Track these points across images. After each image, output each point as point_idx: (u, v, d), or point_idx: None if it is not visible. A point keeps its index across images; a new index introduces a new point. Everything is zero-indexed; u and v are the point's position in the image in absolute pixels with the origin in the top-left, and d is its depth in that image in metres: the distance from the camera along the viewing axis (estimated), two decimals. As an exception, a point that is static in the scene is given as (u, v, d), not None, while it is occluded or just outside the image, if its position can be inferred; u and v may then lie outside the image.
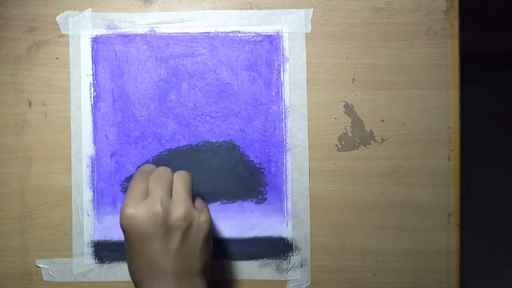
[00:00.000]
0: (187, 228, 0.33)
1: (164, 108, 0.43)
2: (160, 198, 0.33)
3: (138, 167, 0.43)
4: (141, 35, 0.43)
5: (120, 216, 0.33)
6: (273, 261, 0.43)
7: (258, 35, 0.43)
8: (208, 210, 0.36)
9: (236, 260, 0.43)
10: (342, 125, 0.43)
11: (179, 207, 0.33)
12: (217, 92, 0.43)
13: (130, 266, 0.34)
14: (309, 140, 0.43)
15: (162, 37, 0.43)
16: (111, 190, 0.43)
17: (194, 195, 0.37)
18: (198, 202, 0.37)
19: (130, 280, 0.42)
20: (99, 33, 0.43)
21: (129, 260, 0.34)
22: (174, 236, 0.33)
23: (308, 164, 0.43)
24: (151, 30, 0.43)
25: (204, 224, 0.34)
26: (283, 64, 0.43)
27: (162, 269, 0.33)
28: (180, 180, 0.35)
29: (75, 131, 0.43)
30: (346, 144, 0.43)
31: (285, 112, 0.43)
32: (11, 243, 0.43)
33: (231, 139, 0.43)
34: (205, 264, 0.35)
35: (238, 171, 0.43)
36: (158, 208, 0.32)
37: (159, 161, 0.43)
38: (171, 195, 0.35)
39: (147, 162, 0.43)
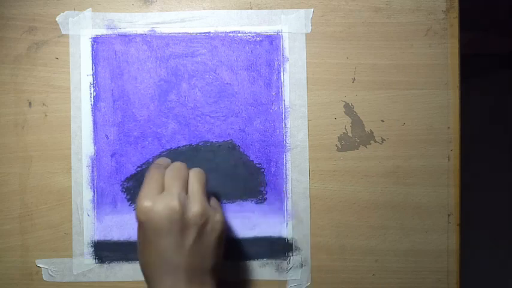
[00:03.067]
0: (203, 226, 0.33)
1: (164, 108, 0.43)
2: (178, 194, 0.33)
3: (139, 166, 0.43)
4: (141, 35, 0.43)
5: (137, 208, 0.33)
6: (273, 261, 0.43)
7: (258, 35, 0.43)
8: (223, 210, 0.36)
9: (236, 260, 0.43)
10: (342, 125, 0.43)
11: (196, 204, 0.33)
12: (217, 92, 0.43)
13: (142, 258, 0.34)
14: (309, 140, 0.43)
15: (162, 37, 0.43)
16: (111, 190, 0.43)
17: (209, 194, 0.37)
18: (213, 201, 0.37)
19: (131, 280, 0.43)
20: (99, 33, 0.43)
21: (142, 253, 0.34)
22: (190, 233, 0.33)
23: (308, 164, 0.43)
24: (151, 30, 0.43)
25: (218, 224, 0.35)
26: (283, 64, 0.43)
27: (174, 265, 0.33)
28: (196, 177, 0.35)
29: (75, 131, 0.43)
30: (346, 144, 0.43)
31: (285, 112, 0.43)
32: (11, 243, 0.43)
33: (231, 139, 0.43)
34: (216, 263, 0.35)
35: (238, 171, 0.43)
36: (176, 203, 0.32)
37: (159, 161, 0.43)
38: (186, 192, 0.35)
39: (147, 162, 0.43)
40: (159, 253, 0.33)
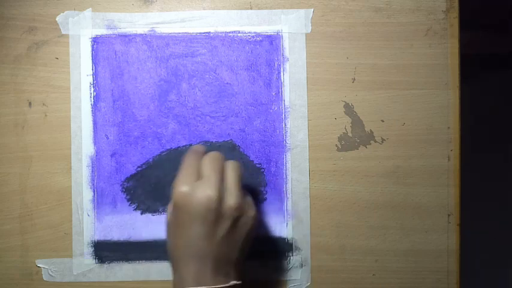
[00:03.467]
0: (236, 219, 0.34)
1: (164, 108, 0.43)
2: (215, 183, 0.33)
3: (139, 166, 0.43)
4: (141, 35, 0.43)
5: (174, 192, 0.33)
6: (273, 261, 0.43)
7: (258, 35, 0.43)
8: (255, 207, 0.36)
9: (236, 260, 0.43)
10: (342, 125, 0.43)
11: (233, 197, 0.34)
12: (217, 92, 0.43)
13: (171, 241, 0.35)
14: (309, 140, 0.43)
15: (162, 37, 0.43)
16: (111, 190, 0.43)
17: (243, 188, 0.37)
18: (247, 197, 0.37)
19: (131, 280, 0.43)
20: (99, 33, 0.43)
21: (172, 236, 0.35)
22: (223, 224, 0.33)
23: (308, 164, 0.43)
24: (151, 30, 0.43)
25: (251, 219, 0.35)
26: (283, 64, 0.43)
27: (203, 252, 0.33)
28: (233, 170, 0.35)
29: (75, 131, 0.43)
30: (346, 144, 0.43)
31: (285, 112, 0.43)
32: (11, 243, 0.43)
33: (231, 139, 0.43)
34: (242, 257, 0.36)
35: (238, 171, 0.43)
36: (214, 193, 0.33)
37: (159, 161, 0.43)
38: (222, 182, 0.35)
39: (147, 162, 0.43)
40: (190, 238, 0.33)
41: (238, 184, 0.35)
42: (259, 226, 0.42)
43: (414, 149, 0.43)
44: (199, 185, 0.33)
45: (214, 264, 0.33)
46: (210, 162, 0.35)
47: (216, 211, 0.33)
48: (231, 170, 0.35)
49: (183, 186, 0.33)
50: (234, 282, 0.34)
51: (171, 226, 0.35)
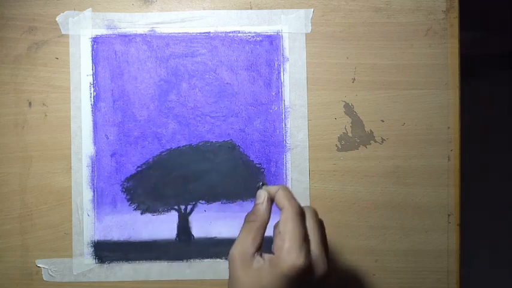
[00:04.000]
0: (321, 284, 0.30)
1: (164, 108, 0.43)
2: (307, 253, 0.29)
3: (139, 166, 0.43)
4: (141, 35, 0.43)
5: (287, 259, 0.29)
6: (273, 261, 0.43)
7: (258, 35, 0.43)
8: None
9: (236, 260, 0.43)
10: (342, 125, 0.43)
11: (323, 265, 0.30)
12: (217, 92, 0.43)
13: None
14: (309, 140, 0.43)
15: (162, 37, 0.43)
16: (111, 190, 0.43)
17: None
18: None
19: (131, 280, 0.43)
20: (99, 33, 0.43)
21: None
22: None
23: (308, 164, 0.43)
24: (151, 30, 0.43)
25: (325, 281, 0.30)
26: (283, 64, 0.43)
27: None
28: (320, 230, 0.31)
29: (75, 131, 0.43)
30: (346, 144, 0.43)
31: (285, 112, 0.43)
32: (11, 243, 0.43)
33: (231, 139, 0.43)
34: None
35: (238, 171, 0.43)
36: (307, 264, 0.28)
37: (159, 161, 0.43)
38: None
39: (147, 162, 0.43)
40: None
41: (325, 246, 0.31)
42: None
43: (414, 149, 0.43)
44: (306, 251, 0.29)
45: None
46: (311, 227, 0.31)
47: (310, 283, 0.29)
48: (317, 230, 0.31)
49: (300, 259, 0.28)
50: None
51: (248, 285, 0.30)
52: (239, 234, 0.32)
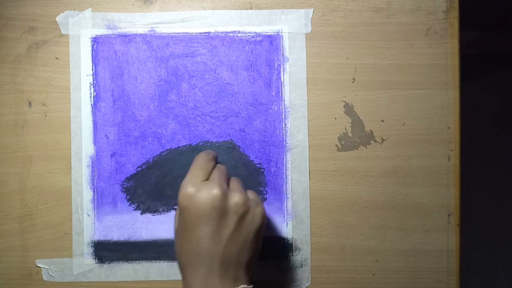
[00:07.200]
0: (243, 216, 0.33)
1: (164, 108, 0.43)
2: (220, 183, 0.34)
3: (139, 166, 0.43)
4: (141, 35, 0.43)
5: (179, 193, 0.33)
6: (273, 261, 0.43)
7: (258, 35, 0.43)
8: (263, 205, 0.36)
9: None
10: (342, 125, 0.43)
11: (237, 194, 0.34)
12: (217, 92, 0.43)
13: (179, 246, 0.34)
14: (309, 140, 0.43)
15: (162, 37, 0.43)
16: (111, 190, 0.43)
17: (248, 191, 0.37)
18: (253, 195, 0.37)
19: (131, 280, 0.43)
20: (99, 33, 0.43)
21: (180, 240, 0.34)
22: (229, 221, 0.33)
23: (308, 164, 0.43)
24: (151, 30, 0.43)
25: (258, 215, 0.34)
26: (283, 64, 0.43)
27: (210, 254, 0.32)
28: (236, 179, 0.37)
29: (75, 131, 0.43)
30: (346, 144, 0.43)
31: (285, 112, 0.43)
32: (11, 243, 0.43)
33: (231, 139, 0.43)
34: (251, 258, 0.34)
35: (238, 171, 0.43)
36: (218, 191, 0.33)
37: (159, 161, 0.43)
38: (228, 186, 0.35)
39: (147, 162, 0.43)
40: (197, 240, 0.32)
41: (242, 187, 0.36)
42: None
43: (414, 149, 0.43)
44: (204, 185, 0.33)
45: (222, 268, 0.32)
46: (217, 170, 0.36)
47: (221, 208, 0.32)
48: (234, 179, 0.37)
49: (188, 188, 0.33)
50: (244, 286, 0.33)
51: (177, 231, 0.35)
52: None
